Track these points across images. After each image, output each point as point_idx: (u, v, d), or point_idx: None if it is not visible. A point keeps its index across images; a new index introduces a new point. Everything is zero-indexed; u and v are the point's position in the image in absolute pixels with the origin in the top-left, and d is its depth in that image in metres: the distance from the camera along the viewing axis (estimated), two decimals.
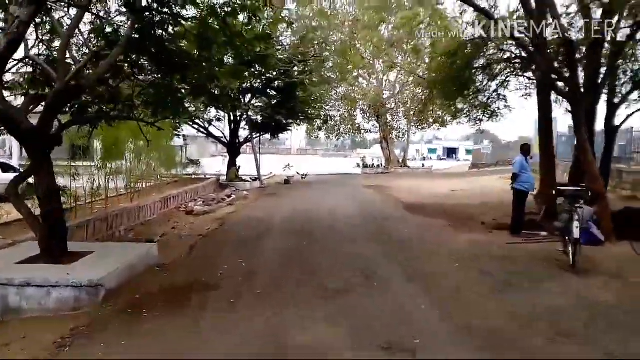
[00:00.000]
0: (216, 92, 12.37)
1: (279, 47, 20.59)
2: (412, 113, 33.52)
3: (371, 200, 15.69)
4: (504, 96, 14.93)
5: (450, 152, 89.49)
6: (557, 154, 21.34)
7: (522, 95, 14.92)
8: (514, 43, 11.14)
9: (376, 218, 11.36)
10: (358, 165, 34.48)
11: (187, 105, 11.51)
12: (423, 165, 38.46)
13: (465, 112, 15.66)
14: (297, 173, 25.07)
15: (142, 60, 9.64)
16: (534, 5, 10.18)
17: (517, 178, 9.42)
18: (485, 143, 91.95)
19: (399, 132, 37.27)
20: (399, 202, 14.64)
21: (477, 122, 15.73)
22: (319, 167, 36.55)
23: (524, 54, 12.04)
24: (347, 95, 31.97)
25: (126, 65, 8.65)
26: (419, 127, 36.22)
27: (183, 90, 10.67)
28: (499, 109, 15.10)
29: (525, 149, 10.03)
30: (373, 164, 35.26)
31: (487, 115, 15.39)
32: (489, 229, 9.86)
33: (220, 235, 9.76)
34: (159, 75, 10.17)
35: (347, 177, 28.80)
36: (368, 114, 35.34)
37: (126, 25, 8.09)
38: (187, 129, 23.45)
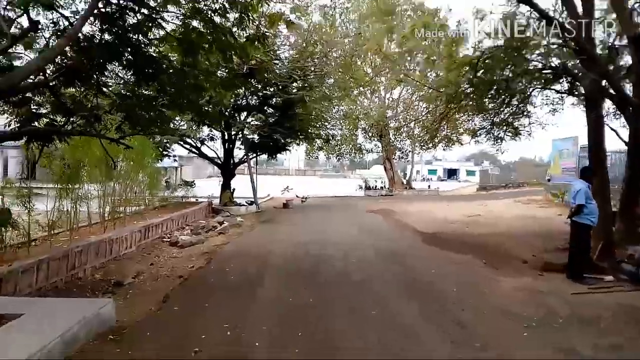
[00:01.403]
0: (206, 107, 10.72)
1: (277, 62, 19.09)
2: (417, 132, 31.97)
3: (381, 228, 13.90)
4: (528, 112, 13.36)
5: (451, 173, 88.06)
6: (578, 174, 19.76)
7: (550, 111, 13.29)
8: (555, 50, 9.47)
9: (394, 254, 9.53)
10: (360, 187, 32.78)
11: (170, 120, 9.79)
12: (429, 187, 36.72)
13: (485, 129, 13.99)
14: (297, 196, 23.31)
15: (112, 65, 8.06)
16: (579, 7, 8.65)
17: (581, 210, 7.63)
18: (485, 164, 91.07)
19: (403, 152, 35.62)
20: (413, 232, 12.88)
21: (497, 140, 14.06)
22: (318, 188, 34.85)
23: (554, 64, 10.46)
24: (348, 113, 30.37)
25: (91, 69, 7.03)
26: (424, 147, 34.54)
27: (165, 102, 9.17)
28: (523, 126, 13.48)
29: (587, 174, 8.23)
30: (376, 186, 33.54)
31: (510, 134, 13.73)
32: (536, 269, 8.07)
33: (205, 278, 7.93)
34: (134, 84, 8.64)
35: (349, 200, 27.03)
36: (370, 134, 33.77)
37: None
38: (179, 149, 21.74)
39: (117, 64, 7.99)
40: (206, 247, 11.06)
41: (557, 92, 12.42)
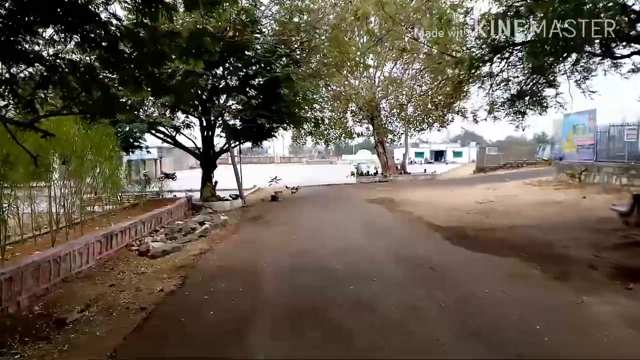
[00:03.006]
0: (172, 83, 8.49)
1: (258, 35, 16.83)
2: (410, 112, 30.08)
3: (390, 225, 11.85)
4: (555, 81, 11.40)
5: (438, 155, 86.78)
6: (598, 152, 17.99)
7: (580, 79, 11.29)
8: None
9: (421, 264, 7.37)
10: (352, 174, 30.68)
11: (120, 100, 7.57)
12: (425, 171, 34.81)
13: (505, 104, 11.99)
14: (286, 187, 21.16)
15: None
16: None
17: None
18: (472, 145, 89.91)
19: (395, 135, 33.55)
20: (429, 227, 10.89)
21: (519, 116, 12.08)
22: (306, 176, 32.73)
23: None
24: (337, 94, 28.09)
25: None
26: (417, 129, 32.61)
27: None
28: (550, 97, 11.52)
29: None
30: (368, 172, 31.50)
31: (534, 107, 11.76)
32: (613, 278, 6.11)
33: (174, 315, 5.78)
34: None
35: (342, 188, 24.99)
36: (360, 116, 31.59)
37: None
38: (154, 139, 19.38)
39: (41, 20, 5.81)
40: (182, 258, 8.96)
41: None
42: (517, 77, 11.78)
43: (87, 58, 6.78)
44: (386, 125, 32.23)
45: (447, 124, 31.16)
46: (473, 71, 10.78)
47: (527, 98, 11.54)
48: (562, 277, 6.19)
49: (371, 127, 31.99)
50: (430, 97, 22.43)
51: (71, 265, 7.82)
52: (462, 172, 38.05)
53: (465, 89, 13.06)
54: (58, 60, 5.84)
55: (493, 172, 32.43)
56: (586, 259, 7.05)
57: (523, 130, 12.81)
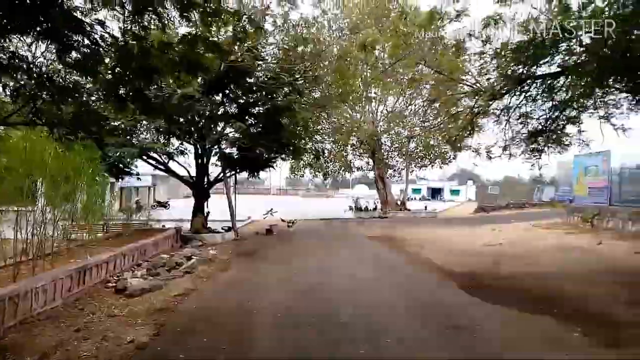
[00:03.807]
0: (159, 101, 7.66)
1: (260, 62, 16.16)
2: (412, 147, 29.41)
3: (396, 267, 10.82)
4: (578, 118, 10.65)
5: (435, 193, 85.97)
6: (612, 195, 17.14)
7: (604, 116, 10.55)
8: None
9: (434, 317, 6.28)
10: (350, 209, 29.69)
11: (104, 118, 6.70)
12: (425, 208, 33.82)
13: (523, 140, 11.20)
14: (282, 220, 20.13)
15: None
16: None
17: None
18: (470, 183, 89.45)
19: (396, 170, 32.78)
20: (441, 273, 9.87)
21: (536, 154, 11.28)
22: (302, 209, 31.72)
23: None
24: (338, 127, 27.39)
25: None
26: (418, 165, 31.91)
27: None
28: (569, 135, 10.74)
29: None
30: (367, 207, 30.50)
31: (553, 146, 10.96)
32: None
33: None
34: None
35: (340, 224, 23.96)
36: (361, 150, 30.85)
37: None
38: (147, 167, 18.42)
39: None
40: (162, 299, 7.87)
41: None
42: (535, 111, 11.04)
43: (63, 68, 5.96)
44: (387, 160, 31.49)
45: (449, 161, 30.55)
46: (491, 103, 10.01)
47: (546, 135, 10.76)
48: (614, 344, 5.16)
49: (371, 162, 31.22)
50: (440, 131, 21.64)
51: (32, 304, 6.75)
52: (461, 210, 37.09)
53: (479, 124, 12.29)
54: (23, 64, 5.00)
55: (495, 212, 31.51)
56: (632, 320, 6.04)
57: (540, 169, 11.98)
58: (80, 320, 6.71)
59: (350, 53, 20.38)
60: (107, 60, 6.65)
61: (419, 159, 31.33)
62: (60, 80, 5.47)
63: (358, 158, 32.22)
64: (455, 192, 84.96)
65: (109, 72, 6.61)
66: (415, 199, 69.68)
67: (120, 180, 18.68)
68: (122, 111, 6.94)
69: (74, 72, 6.13)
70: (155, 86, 9.35)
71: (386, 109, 29.99)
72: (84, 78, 6.12)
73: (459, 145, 12.87)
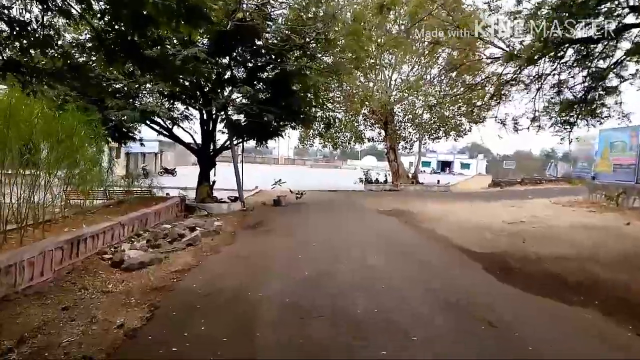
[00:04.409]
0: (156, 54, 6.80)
1: (269, 22, 15.14)
2: (426, 118, 28.33)
3: (412, 244, 10.09)
4: (616, 89, 9.66)
5: (445, 166, 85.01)
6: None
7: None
8: None
9: (463, 308, 5.52)
10: (361, 180, 28.89)
11: (91, 72, 5.91)
12: (438, 181, 32.95)
13: (550, 112, 10.26)
14: (290, 191, 19.42)
15: None
16: None
17: None
18: (480, 157, 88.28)
19: (407, 142, 31.76)
20: (458, 251, 9.16)
21: (567, 127, 10.35)
22: (310, 180, 30.99)
23: None
24: (351, 95, 26.26)
25: None
26: (433, 137, 30.86)
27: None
28: (608, 107, 9.77)
29: None
30: (377, 179, 29.68)
31: (588, 117, 10.02)
32: None
33: None
34: None
35: (350, 195, 23.25)
36: (373, 120, 29.81)
37: None
38: (149, 133, 17.66)
39: None
40: (160, 275, 7.24)
41: None
42: (569, 79, 10.06)
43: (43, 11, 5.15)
44: (400, 132, 30.47)
45: (464, 134, 29.51)
46: (523, 68, 9.05)
47: (580, 106, 9.81)
48: None
49: (383, 133, 30.22)
50: (462, 100, 20.50)
51: (16, 279, 6.10)
52: (473, 184, 36.17)
53: (507, 92, 11.30)
54: None
55: (510, 187, 30.58)
56: None
57: (570, 142, 11.09)
58: (69, 297, 6.09)
59: (364, 17, 19.25)
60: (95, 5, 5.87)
61: (433, 131, 30.29)
62: (37, 26, 4.65)
63: (369, 128, 31.19)
64: (465, 166, 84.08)
65: (98, 18, 5.80)
66: (425, 171, 68.78)
67: (123, 145, 18.00)
68: (112, 65, 6.10)
69: (57, 17, 5.30)
70: (158, 46, 8.50)
71: (400, 78, 28.79)
72: (69, 25, 5.27)
73: (483, 115, 11.81)
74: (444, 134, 30.11)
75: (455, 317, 5.29)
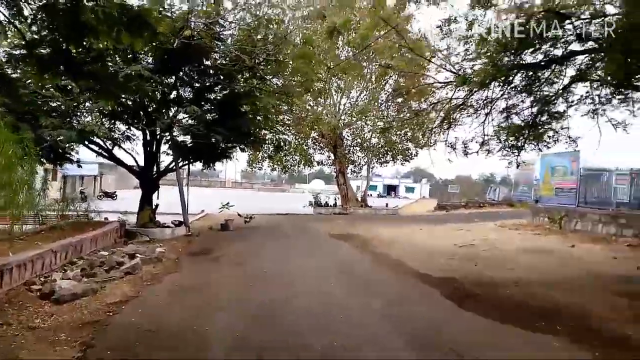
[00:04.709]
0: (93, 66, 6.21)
1: (218, 43, 14.74)
2: (374, 142, 28.60)
3: (367, 270, 9.78)
4: (563, 114, 9.95)
5: (390, 190, 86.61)
6: (580, 197, 16.83)
7: (589, 113, 9.91)
8: None
9: (427, 339, 5.20)
10: (310, 204, 28.58)
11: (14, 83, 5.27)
12: (387, 205, 33.21)
13: (501, 138, 10.41)
14: (239, 214, 18.75)
15: None
16: None
17: None
18: (424, 182, 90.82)
19: (356, 165, 31.90)
20: (414, 277, 8.95)
21: (514, 151, 10.54)
22: (258, 203, 30.34)
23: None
24: (301, 118, 26.09)
25: None
26: (380, 161, 31.20)
27: None
28: (556, 131, 10.03)
29: None
30: (327, 203, 29.48)
31: (535, 141, 10.24)
32: None
33: None
34: None
35: (300, 219, 22.84)
36: (322, 144, 29.75)
37: None
38: (88, 154, 16.55)
39: None
40: (94, 308, 6.49)
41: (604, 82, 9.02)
42: (518, 104, 10.27)
43: None
44: (349, 155, 30.57)
45: (411, 158, 30.05)
46: (474, 92, 9.12)
47: (528, 131, 10.00)
48: None
49: (332, 156, 30.20)
50: (410, 125, 20.74)
51: None
52: (418, 208, 36.77)
53: (457, 117, 11.40)
54: None
55: (455, 210, 31.28)
56: None
57: (517, 166, 11.33)
58: None
59: (314, 41, 19.22)
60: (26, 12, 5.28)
61: (381, 155, 30.63)
62: None
63: (319, 152, 31.12)
64: (410, 190, 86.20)
65: (28, 26, 5.21)
66: (371, 195, 69.61)
67: (59, 167, 16.77)
68: (44, 75, 5.48)
69: None
70: (99, 63, 7.89)
71: (350, 102, 29.00)
72: None
73: (434, 139, 11.84)
74: (391, 158, 30.51)
75: (423, 351, 4.95)
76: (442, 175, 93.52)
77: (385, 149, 29.97)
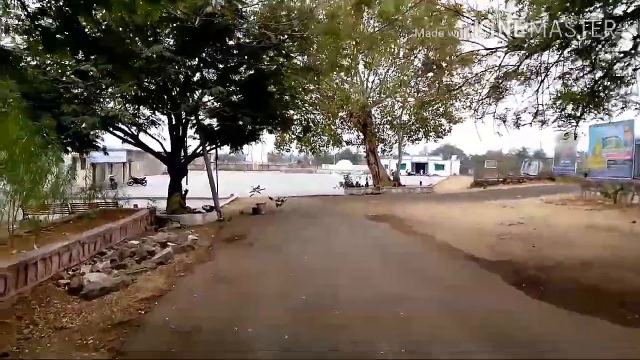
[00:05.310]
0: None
1: (241, 20, 13.95)
2: (405, 119, 27.58)
3: (414, 254, 8.99)
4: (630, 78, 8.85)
5: (419, 167, 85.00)
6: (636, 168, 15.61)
7: None
8: None
9: (510, 339, 4.42)
10: (341, 184, 27.83)
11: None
12: (421, 183, 32.19)
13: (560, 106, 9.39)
14: (270, 198, 18.18)
15: None
16: None
17: None
18: (454, 158, 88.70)
19: (387, 144, 30.95)
20: (468, 260, 8.18)
21: (572, 121, 9.52)
22: (287, 185, 29.77)
23: None
24: (327, 98, 25.14)
25: None
26: (412, 138, 30.18)
27: None
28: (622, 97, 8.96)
29: None
30: (358, 183, 28.69)
31: (595, 111, 9.20)
32: None
33: None
34: None
35: (332, 200, 22.15)
36: (351, 123, 28.82)
37: None
38: (115, 141, 16.20)
39: None
40: (125, 305, 5.97)
41: None
42: (575, 70, 9.21)
43: None
44: (379, 134, 29.61)
45: (444, 134, 28.90)
46: (528, 56, 8.15)
47: (589, 98, 8.96)
48: None
49: (361, 135, 29.29)
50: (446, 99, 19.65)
51: None
52: (451, 185, 35.60)
53: (508, 86, 10.38)
54: None
55: (493, 186, 30.05)
56: None
57: (575, 138, 10.32)
58: (12, 338, 4.84)
59: (340, 16, 18.23)
60: None
61: (413, 132, 29.60)
62: None
63: (347, 132, 30.24)
64: (439, 167, 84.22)
65: None
66: (400, 173, 68.47)
67: (86, 154, 16.47)
68: (51, 51, 4.88)
69: None
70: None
71: (378, 79, 27.90)
72: None
73: (481, 112, 10.84)
74: (423, 135, 29.48)
75: (506, 354, 4.19)
76: (471, 152, 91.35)
77: (417, 125, 28.94)
